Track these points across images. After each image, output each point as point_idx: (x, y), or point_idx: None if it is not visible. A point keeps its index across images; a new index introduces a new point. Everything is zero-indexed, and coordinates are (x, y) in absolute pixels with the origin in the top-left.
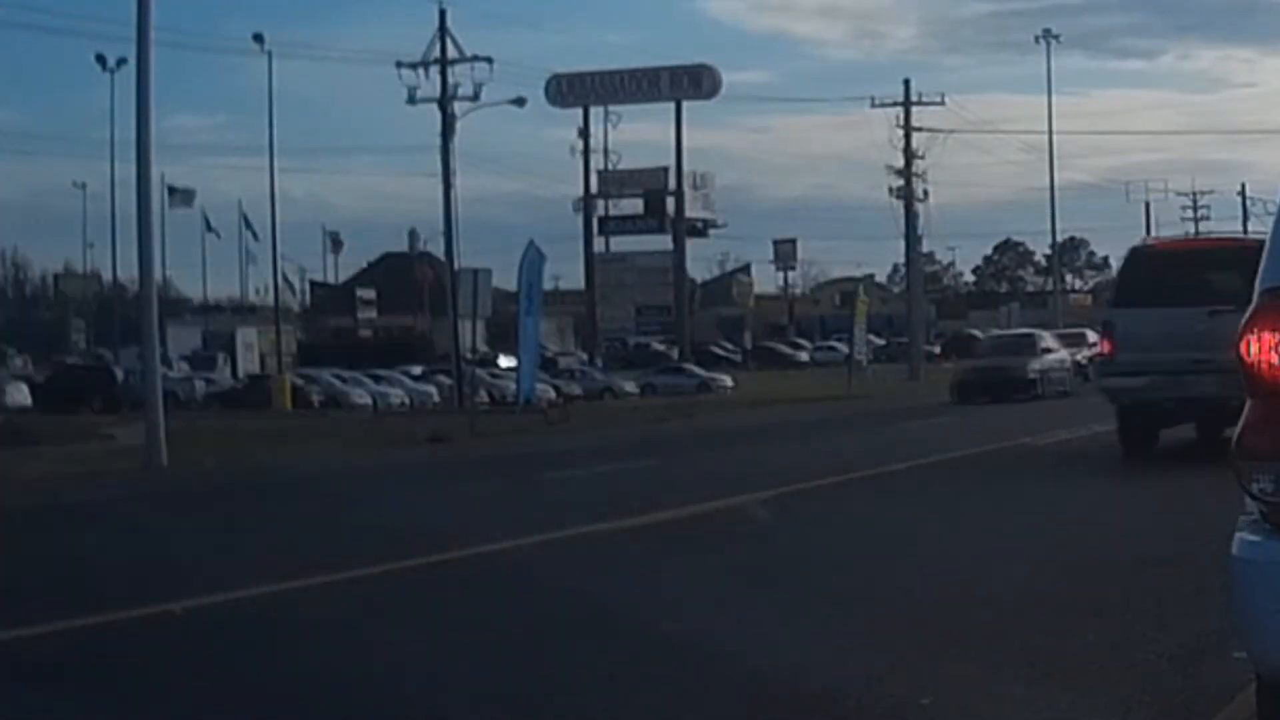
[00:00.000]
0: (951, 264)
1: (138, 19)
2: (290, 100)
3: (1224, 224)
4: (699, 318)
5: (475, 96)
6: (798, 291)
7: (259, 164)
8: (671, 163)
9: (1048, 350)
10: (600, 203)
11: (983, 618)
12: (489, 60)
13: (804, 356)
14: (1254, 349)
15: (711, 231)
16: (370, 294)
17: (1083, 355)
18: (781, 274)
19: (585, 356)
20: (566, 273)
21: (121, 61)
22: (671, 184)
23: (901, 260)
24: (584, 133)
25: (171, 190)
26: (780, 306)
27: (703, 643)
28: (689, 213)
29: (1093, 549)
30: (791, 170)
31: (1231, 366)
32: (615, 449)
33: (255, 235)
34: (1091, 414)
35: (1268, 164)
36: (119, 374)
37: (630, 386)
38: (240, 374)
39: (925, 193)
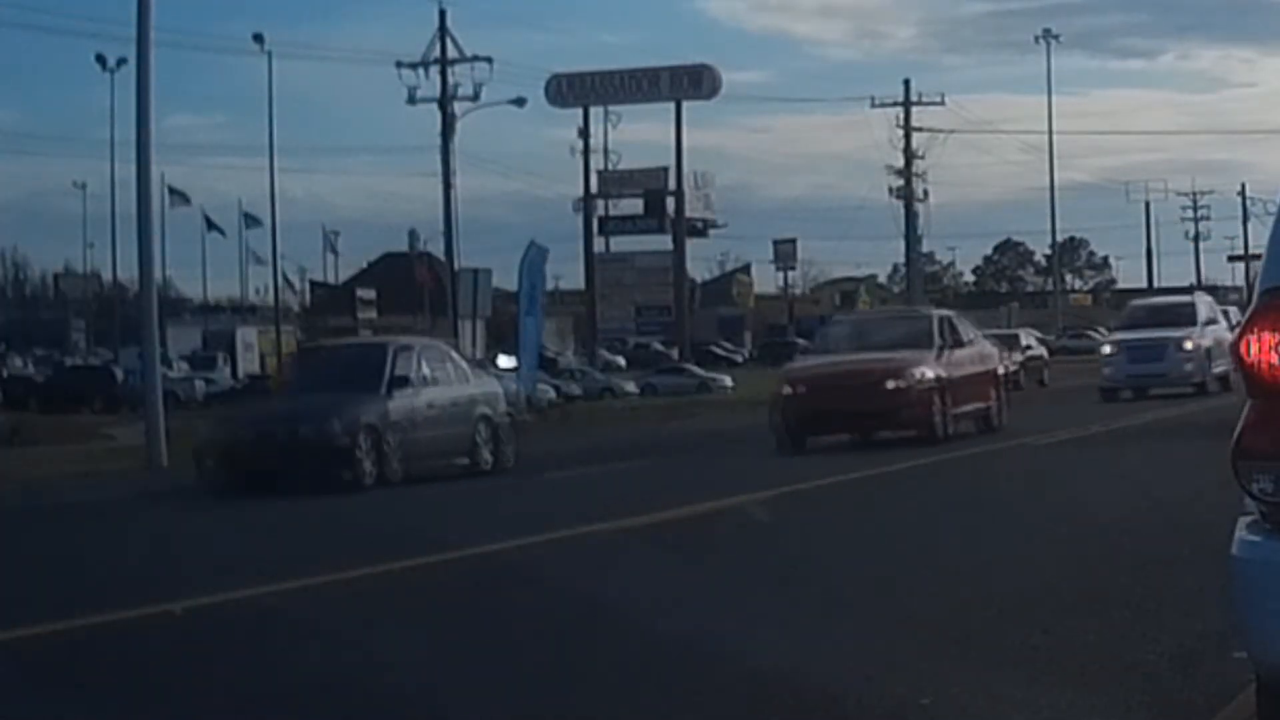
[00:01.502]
0: (951, 264)
1: (138, 19)
2: (290, 100)
3: (1224, 224)
4: (699, 318)
5: (475, 96)
6: (798, 291)
7: (259, 164)
8: (671, 163)
9: (423, 382)
10: (600, 203)
11: (983, 618)
12: (489, 60)
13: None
14: (1254, 349)
15: (711, 231)
16: (370, 294)
17: (1012, 362)
18: (781, 274)
19: (601, 356)
20: (566, 273)
21: (121, 61)
22: (671, 184)
23: (901, 260)
24: (584, 133)
25: (171, 191)
26: (780, 306)
27: (702, 643)
28: (689, 213)
29: (1092, 548)
30: (791, 170)
31: None
32: (615, 449)
33: (259, 222)
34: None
35: (1268, 164)
36: (119, 374)
37: (630, 387)
38: (240, 374)
39: (925, 193)
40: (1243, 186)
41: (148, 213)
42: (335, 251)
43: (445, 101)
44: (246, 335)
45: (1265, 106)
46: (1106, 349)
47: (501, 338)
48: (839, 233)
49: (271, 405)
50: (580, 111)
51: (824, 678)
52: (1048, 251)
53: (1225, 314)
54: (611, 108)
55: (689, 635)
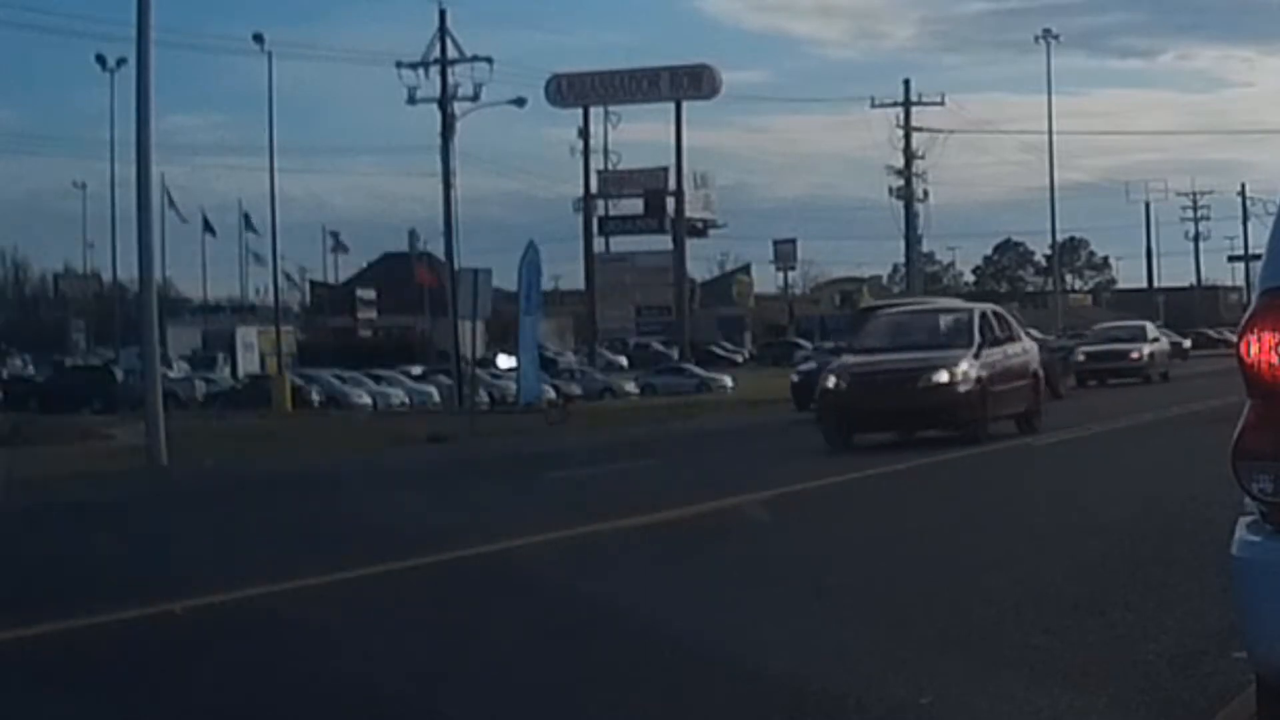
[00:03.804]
0: (951, 264)
1: (138, 19)
2: (290, 100)
3: (1224, 224)
4: (699, 318)
5: (475, 96)
6: (798, 291)
7: (258, 164)
8: (671, 163)
9: None
10: (600, 203)
11: (983, 617)
12: (489, 60)
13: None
14: (1254, 349)
15: (711, 231)
16: (370, 294)
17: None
18: (781, 274)
19: (601, 356)
20: (566, 273)
21: (121, 61)
22: (671, 184)
23: (901, 260)
24: (584, 133)
25: (171, 202)
26: (780, 306)
27: (702, 643)
28: (689, 213)
29: (1092, 548)
30: (791, 170)
31: None
32: (615, 449)
33: (255, 230)
34: None
35: (1268, 164)
36: (119, 374)
37: (630, 386)
38: (240, 374)
39: (925, 193)
40: (1243, 186)
41: (148, 213)
42: (344, 249)
43: (445, 101)
44: (246, 335)
45: (1265, 106)
46: None
47: (502, 338)
48: (839, 233)
49: None
50: (580, 111)
51: (824, 678)
52: (1048, 251)
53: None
54: (611, 108)
55: (689, 635)
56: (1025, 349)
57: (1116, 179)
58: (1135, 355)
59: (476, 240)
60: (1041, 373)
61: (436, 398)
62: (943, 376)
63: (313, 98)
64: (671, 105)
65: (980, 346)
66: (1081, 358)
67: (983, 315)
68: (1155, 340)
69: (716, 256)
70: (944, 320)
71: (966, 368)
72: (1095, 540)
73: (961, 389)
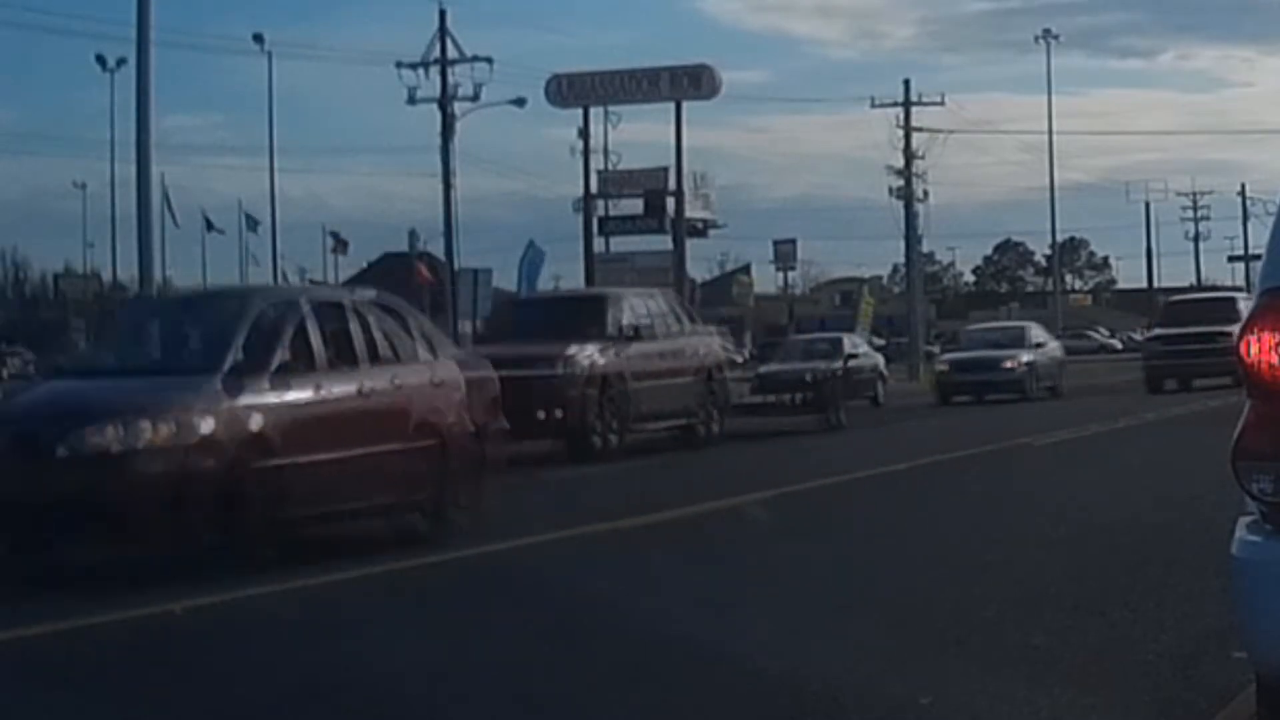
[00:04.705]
0: (951, 264)
1: (137, 19)
2: (290, 100)
3: (1224, 224)
4: (699, 318)
5: (475, 96)
6: (798, 291)
7: (259, 164)
8: (671, 163)
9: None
10: (600, 203)
11: (983, 618)
12: (489, 60)
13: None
14: (1254, 349)
15: (711, 231)
16: (370, 293)
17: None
18: (781, 274)
19: None
20: (566, 273)
21: (121, 61)
22: (671, 184)
23: (901, 260)
24: (584, 133)
25: (168, 206)
26: (780, 307)
27: (702, 643)
28: (689, 213)
29: (1092, 548)
30: (791, 170)
31: None
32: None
33: (256, 223)
34: None
35: (1268, 164)
36: None
37: None
38: None
39: (925, 193)
40: (1243, 186)
41: (148, 213)
42: (343, 248)
43: (445, 102)
44: None
45: (1265, 106)
46: None
47: None
48: (839, 233)
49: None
50: (580, 111)
51: (824, 678)
52: (1048, 251)
53: None
54: (611, 108)
55: (689, 635)
56: (438, 378)
57: (1116, 179)
58: (1009, 364)
59: (476, 240)
60: (467, 419)
61: None
62: (143, 436)
63: (313, 98)
64: (671, 105)
65: (261, 372)
66: (944, 367)
67: (317, 308)
68: (1039, 346)
69: (716, 256)
70: (203, 319)
71: (171, 421)
72: (1094, 539)
73: (166, 465)
